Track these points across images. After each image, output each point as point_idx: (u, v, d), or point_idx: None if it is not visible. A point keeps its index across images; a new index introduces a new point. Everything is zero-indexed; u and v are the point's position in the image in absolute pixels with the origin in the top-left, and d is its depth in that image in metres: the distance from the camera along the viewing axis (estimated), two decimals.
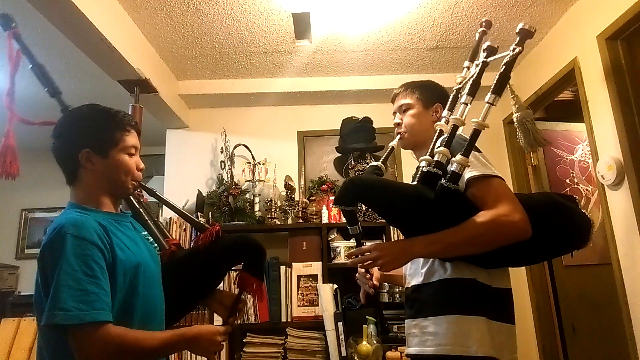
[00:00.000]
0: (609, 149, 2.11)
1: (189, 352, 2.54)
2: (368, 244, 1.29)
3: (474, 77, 1.24)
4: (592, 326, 2.80)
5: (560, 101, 3.00)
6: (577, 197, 1.29)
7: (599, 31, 2.14)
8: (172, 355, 2.53)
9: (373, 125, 3.05)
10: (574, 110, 2.65)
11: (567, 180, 3.08)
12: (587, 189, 3.10)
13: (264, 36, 2.59)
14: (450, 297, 1.22)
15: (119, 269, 1.04)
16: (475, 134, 1.13)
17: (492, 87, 1.15)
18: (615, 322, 2.21)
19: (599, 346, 2.74)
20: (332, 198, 2.93)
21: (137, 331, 1.03)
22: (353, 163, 3.03)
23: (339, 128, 3.12)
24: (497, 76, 1.15)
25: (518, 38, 1.15)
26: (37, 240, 4.20)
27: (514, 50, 1.13)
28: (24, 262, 4.09)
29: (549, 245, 1.21)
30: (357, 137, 3.01)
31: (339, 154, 3.20)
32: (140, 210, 1.35)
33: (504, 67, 1.14)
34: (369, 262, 1.23)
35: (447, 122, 1.35)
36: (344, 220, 2.76)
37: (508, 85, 1.78)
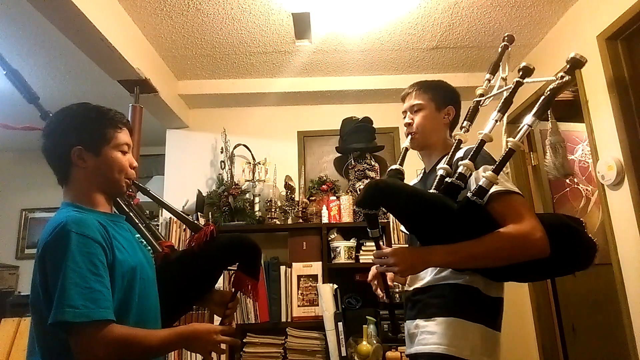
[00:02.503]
0: (609, 149, 2.11)
1: (189, 352, 2.55)
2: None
3: (505, 95, 1.24)
4: (592, 326, 2.80)
5: (560, 101, 2.99)
6: (583, 220, 1.31)
7: (599, 31, 2.14)
8: (172, 354, 2.53)
9: (373, 125, 3.05)
10: (574, 110, 2.64)
11: (567, 180, 3.08)
12: (587, 189, 3.09)
13: (264, 36, 2.59)
14: (454, 302, 1.23)
15: (117, 269, 1.03)
16: (509, 153, 1.14)
17: (535, 110, 1.14)
18: (615, 322, 2.21)
19: (599, 346, 2.74)
20: (333, 198, 2.93)
21: (139, 329, 1.03)
22: (353, 163, 3.03)
23: (339, 128, 3.12)
24: (541, 100, 1.14)
25: (568, 66, 1.14)
26: (37, 240, 4.18)
27: (562, 78, 1.12)
28: (24, 262, 4.08)
29: (554, 265, 1.22)
30: (357, 137, 3.01)
31: (339, 154, 3.20)
32: (131, 214, 1.33)
33: (549, 92, 1.13)
34: (387, 267, 1.24)
35: (466, 132, 1.35)
36: (344, 220, 2.83)
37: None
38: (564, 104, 3.12)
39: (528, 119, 1.14)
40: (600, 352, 2.73)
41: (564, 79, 1.12)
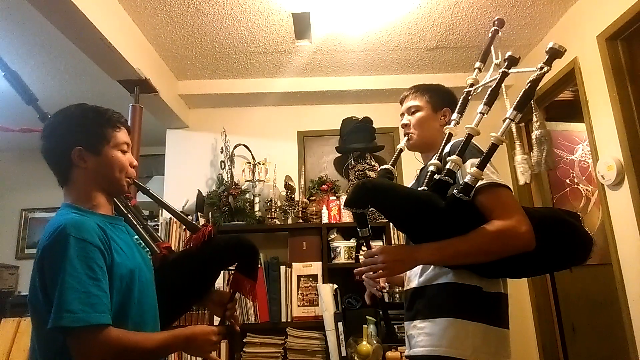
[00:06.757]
0: (609, 149, 2.12)
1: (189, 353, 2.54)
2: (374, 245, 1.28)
3: (492, 86, 1.22)
4: (592, 326, 2.80)
5: (560, 101, 3.00)
6: (580, 214, 1.29)
7: (599, 31, 2.15)
8: (171, 355, 2.53)
9: (373, 125, 3.05)
10: (574, 110, 2.65)
11: (567, 180, 3.08)
12: (587, 189, 3.10)
13: (264, 36, 2.59)
14: (452, 301, 1.22)
15: (116, 272, 1.03)
16: (493, 148, 1.12)
17: (515, 103, 1.12)
18: (615, 322, 2.21)
19: (599, 346, 2.74)
20: (333, 198, 2.93)
21: (136, 333, 1.03)
22: (353, 163, 3.03)
23: (339, 128, 3.12)
24: (521, 93, 1.12)
25: (547, 56, 1.13)
26: (37, 240, 4.17)
27: (541, 68, 1.11)
28: (24, 262, 4.08)
29: (549, 260, 1.22)
30: (357, 137, 3.01)
31: (339, 154, 3.20)
32: (129, 215, 1.33)
33: (529, 84, 1.12)
34: (375, 265, 1.23)
35: (457, 124, 1.34)
36: (344, 220, 2.84)
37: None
38: (564, 104, 3.13)
39: (509, 112, 1.13)
40: (600, 352, 2.73)
41: (543, 70, 1.11)
